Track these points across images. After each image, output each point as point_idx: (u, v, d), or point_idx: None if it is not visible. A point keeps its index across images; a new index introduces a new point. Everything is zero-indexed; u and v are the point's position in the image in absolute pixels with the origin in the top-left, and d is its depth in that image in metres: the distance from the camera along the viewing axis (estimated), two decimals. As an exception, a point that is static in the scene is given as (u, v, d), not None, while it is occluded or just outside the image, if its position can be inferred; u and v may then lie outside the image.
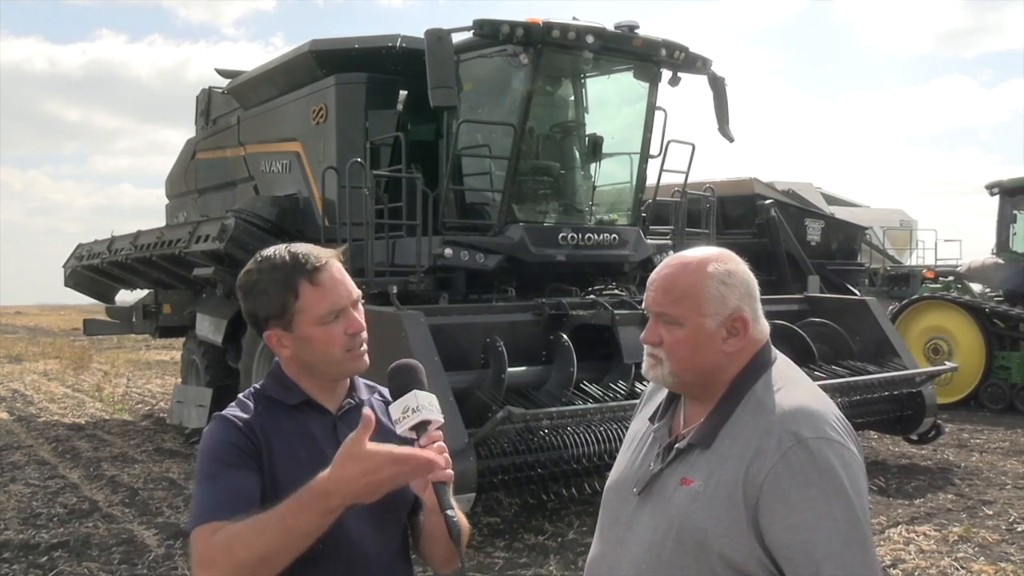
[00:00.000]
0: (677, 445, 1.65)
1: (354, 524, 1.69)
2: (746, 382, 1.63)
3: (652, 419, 1.77)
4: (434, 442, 1.57)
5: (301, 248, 1.75)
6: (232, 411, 1.73)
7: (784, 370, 1.68)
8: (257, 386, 1.80)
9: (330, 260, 1.74)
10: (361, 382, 1.87)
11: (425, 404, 1.59)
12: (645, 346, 1.69)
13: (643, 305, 1.74)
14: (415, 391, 1.60)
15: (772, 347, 1.71)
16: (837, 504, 1.48)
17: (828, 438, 1.52)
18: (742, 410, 1.60)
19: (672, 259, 1.71)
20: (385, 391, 1.90)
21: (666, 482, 1.63)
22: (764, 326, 1.69)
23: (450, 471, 1.57)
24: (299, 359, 1.75)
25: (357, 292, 1.76)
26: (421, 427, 1.57)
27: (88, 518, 6.44)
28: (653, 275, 1.70)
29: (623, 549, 1.67)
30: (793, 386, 1.64)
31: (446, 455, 1.57)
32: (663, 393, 1.80)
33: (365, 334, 1.76)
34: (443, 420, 1.61)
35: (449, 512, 1.54)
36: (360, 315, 1.76)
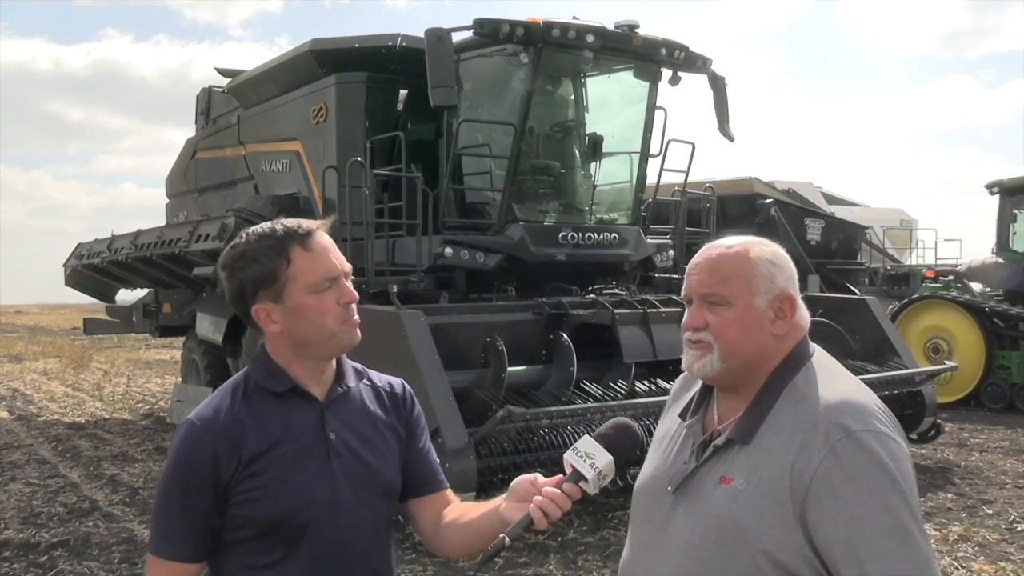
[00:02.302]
0: (715, 442, 1.58)
1: (343, 506, 1.67)
2: (785, 375, 1.57)
3: (683, 416, 1.70)
4: (560, 487, 1.61)
5: (289, 219, 1.73)
6: (206, 412, 1.67)
7: (824, 363, 1.62)
8: (243, 372, 1.74)
9: (320, 228, 1.72)
10: (350, 366, 1.79)
11: (602, 470, 1.60)
12: (686, 335, 1.62)
13: (683, 292, 1.68)
14: (613, 459, 1.61)
15: (810, 340, 1.65)
16: (890, 498, 1.42)
17: (876, 430, 1.47)
18: (783, 403, 1.54)
19: (712, 244, 1.65)
20: (374, 376, 1.84)
21: (703, 481, 1.57)
22: (806, 313, 1.64)
23: (545, 522, 1.60)
24: (290, 335, 1.68)
25: (348, 265, 1.74)
26: (574, 473, 1.61)
27: (88, 517, 6.43)
28: (694, 261, 1.64)
29: (658, 552, 1.61)
30: (835, 378, 1.59)
31: (553, 508, 1.59)
32: (692, 390, 1.74)
33: (356, 306, 1.72)
34: (591, 493, 1.63)
35: (507, 536, 1.58)
36: (351, 287, 1.72)
